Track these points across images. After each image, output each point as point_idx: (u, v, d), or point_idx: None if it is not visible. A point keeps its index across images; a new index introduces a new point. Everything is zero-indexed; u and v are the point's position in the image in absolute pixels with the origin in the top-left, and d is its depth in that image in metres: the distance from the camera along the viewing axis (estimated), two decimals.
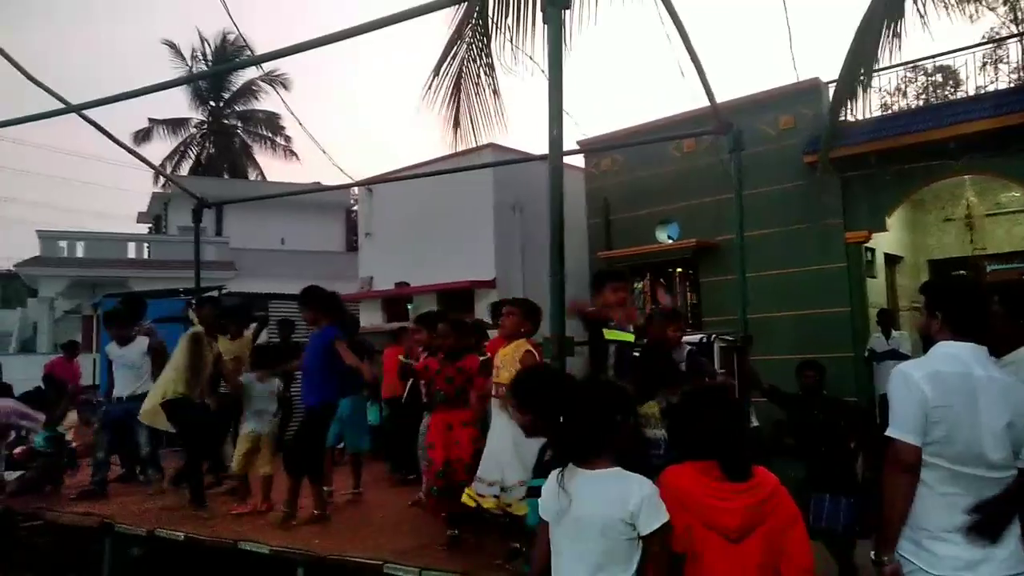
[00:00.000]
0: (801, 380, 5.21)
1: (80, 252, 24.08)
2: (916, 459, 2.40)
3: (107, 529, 5.54)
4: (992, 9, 12.78)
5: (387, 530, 5.10)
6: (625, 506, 2.43)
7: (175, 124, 32.23)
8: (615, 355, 4.35)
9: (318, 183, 23.11)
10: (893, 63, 6.29)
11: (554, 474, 2.59)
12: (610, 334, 4.37)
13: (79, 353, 12.93)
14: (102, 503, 6.28)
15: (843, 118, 6.65)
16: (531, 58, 6.29)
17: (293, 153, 33.23)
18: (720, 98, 6.89)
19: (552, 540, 2.58)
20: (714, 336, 6.37)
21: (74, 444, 7.80)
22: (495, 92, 7.14)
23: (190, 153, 32.84)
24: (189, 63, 30.67)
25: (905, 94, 12.44)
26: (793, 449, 4.93)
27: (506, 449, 4.33)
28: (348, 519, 5.52)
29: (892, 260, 11.63)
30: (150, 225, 31.28)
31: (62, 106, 6.34)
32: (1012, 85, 10.45)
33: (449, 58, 7.16)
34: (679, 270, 11.90)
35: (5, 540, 6.37)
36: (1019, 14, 13.30)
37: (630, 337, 4.43)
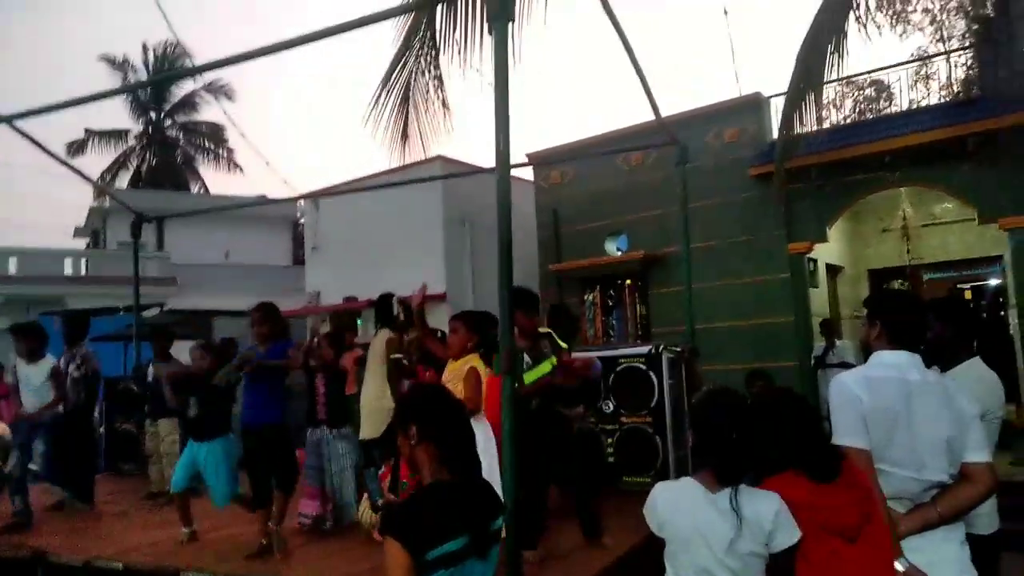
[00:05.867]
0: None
1: (13, 269, 23.11)
2: (869, 459, 2.40)
3: (39, 560, 5.28)
4: (920, 29, 13.29)
5: (335, 553, 4.97)
6: (762, 528, 2.21)
7: (114, 135, 31.29)
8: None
9: (263, 196, 22.74)
10: (837, 77, 6.46)
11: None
12: (529, 376, 4.37)
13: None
14: (34, 532, 5.96)
15: (790, 131, 6.82)
16: (478, 71, 6.24)
17: (237, 165, 32.51)
18: (666, 112, 6.98)
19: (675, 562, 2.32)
20: (662, 347, 6.42)
21: None
22: (444, 105, 7.02)
23: (129, 165, 31.88)
24: (128, 73, 29.86)
25: (840, 108, 12.81)
26: None
27: None
28: (293, 543, 5.36)
29: (833, 270, 11.96)
30: (88, 240, 30.30)
31: None
32: (942, 100, 10.86)
33: (397, 70, 7.02)
34: (628, 282, 12.02)
35: None
36: (945, 34, 13.84)
37: (547, 367, 4.46)
